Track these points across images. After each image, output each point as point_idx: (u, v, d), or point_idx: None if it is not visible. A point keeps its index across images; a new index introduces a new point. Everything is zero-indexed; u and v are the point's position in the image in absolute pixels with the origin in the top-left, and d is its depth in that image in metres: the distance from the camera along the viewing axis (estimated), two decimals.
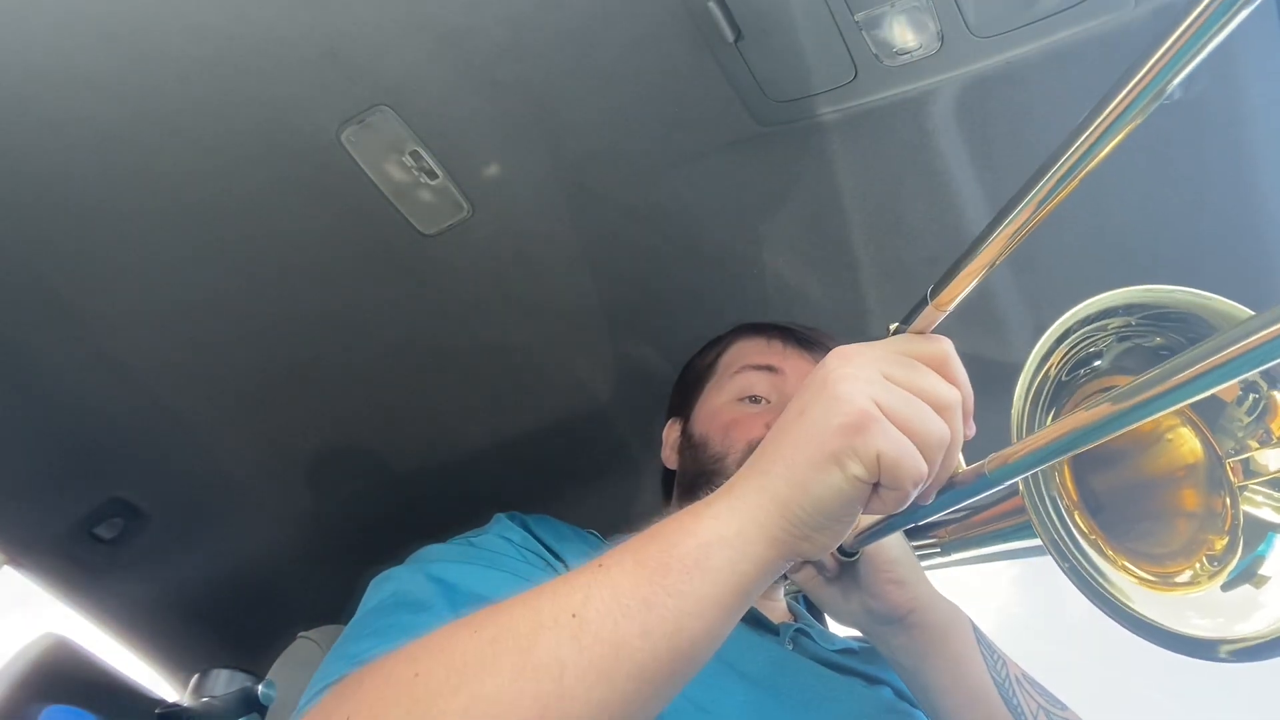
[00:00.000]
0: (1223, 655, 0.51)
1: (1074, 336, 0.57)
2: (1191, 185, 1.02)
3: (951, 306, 0.53)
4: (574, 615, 0.47)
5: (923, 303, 0.54)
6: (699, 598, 0.48)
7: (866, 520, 0.71)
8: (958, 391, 0.52)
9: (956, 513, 0.89)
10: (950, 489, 0.54)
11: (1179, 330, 0.56)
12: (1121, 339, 0.58)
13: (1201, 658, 0.51)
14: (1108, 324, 0.57)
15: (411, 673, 0.47)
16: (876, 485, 0.50)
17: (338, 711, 0.48)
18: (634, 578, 0.48)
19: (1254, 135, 0.96)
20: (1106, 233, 1.08)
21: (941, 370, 0.53)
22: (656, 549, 0.49)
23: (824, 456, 0.49)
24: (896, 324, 0.57)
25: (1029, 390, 0.55)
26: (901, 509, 0.52)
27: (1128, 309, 0.57)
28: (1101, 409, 0.40)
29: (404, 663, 0.48)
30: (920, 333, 0.55)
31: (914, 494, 0.50)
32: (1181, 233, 1.06)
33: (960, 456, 0.54)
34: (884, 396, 0.49)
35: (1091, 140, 0.39)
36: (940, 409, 0.51)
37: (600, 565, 0.50)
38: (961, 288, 0.51)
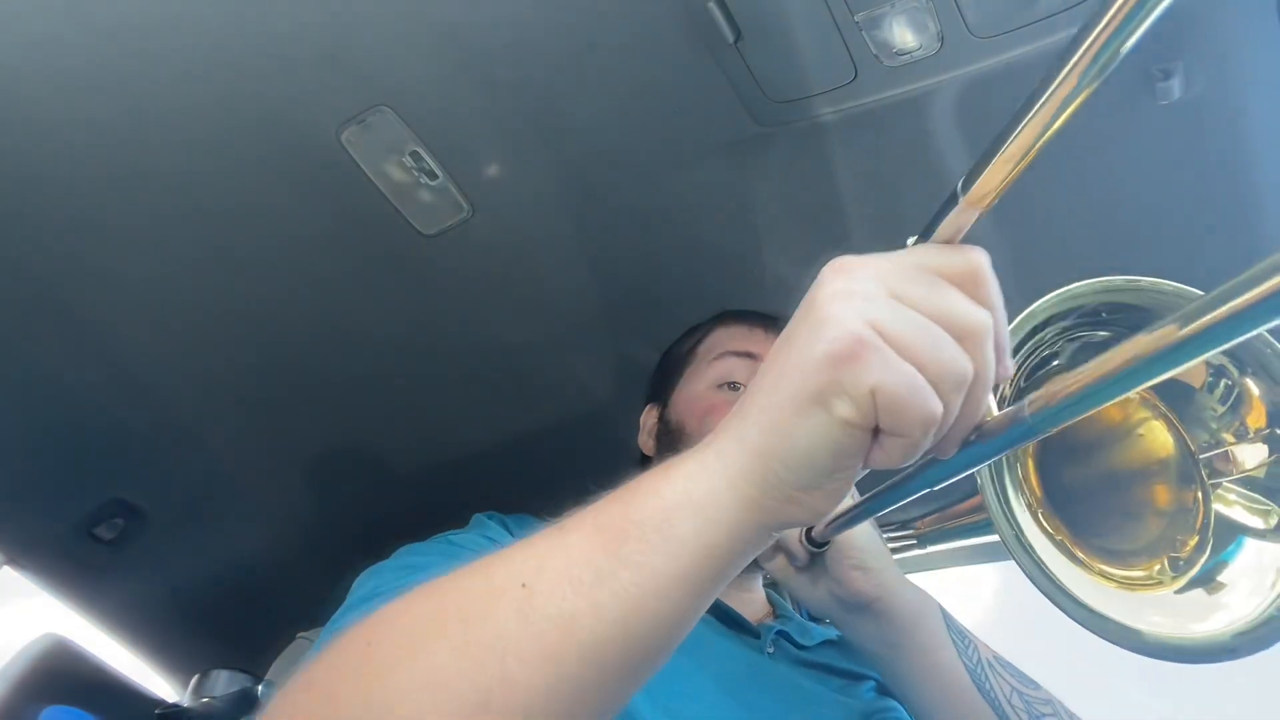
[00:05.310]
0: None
1: (1027, 346, 0.55)
2: (1191, 185, 1.02)
3: (989, 203, 0.40)
4: (524, 585, 0.41)
5: (952, 199, 0.41)
6: (659, 572, 0.40)
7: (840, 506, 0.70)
8: (988, 315, 0.40)
9: (927, 505, 0.88)
10: (979, 440, 0.42)
11: (1121, 322, 0.55)
12: (1071, 339, 0.56)
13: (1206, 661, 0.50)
14: (1047, 332, 0.55)
15: (365, 641, 0.43)
16: (878, 431, 0.39)
17: (302, 679, 0.44)
18: (589, 544, 0.42)
19: (1254, 135, 0.95)
20: (1107, 234, 1.08)
21: (970, 289, 0.41)
22: (617, 511, 0.43)
23: (806, 394, 0.39)
24: (915, 237, 0.44)
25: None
26: (912, 462, 0.41)
27: (1061, 315, 0.55)
28: (1166, 330, 0.31)
29: (361, 630, 0.44)
30: (947, 241, 0.42)
31: (926, 443, 0.39)
32: (1182, 233, 1.06)
33: (992, 400, 0.42)
34: (886, 318, 0.39)
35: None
36: (963, 336, 0.39)
37: (561, 528, 0.44)
38: (998, 176, 0.39)
